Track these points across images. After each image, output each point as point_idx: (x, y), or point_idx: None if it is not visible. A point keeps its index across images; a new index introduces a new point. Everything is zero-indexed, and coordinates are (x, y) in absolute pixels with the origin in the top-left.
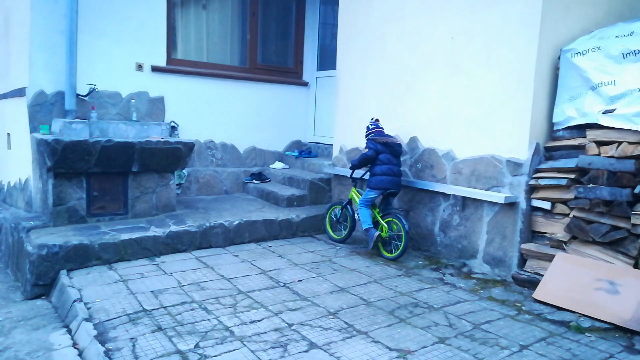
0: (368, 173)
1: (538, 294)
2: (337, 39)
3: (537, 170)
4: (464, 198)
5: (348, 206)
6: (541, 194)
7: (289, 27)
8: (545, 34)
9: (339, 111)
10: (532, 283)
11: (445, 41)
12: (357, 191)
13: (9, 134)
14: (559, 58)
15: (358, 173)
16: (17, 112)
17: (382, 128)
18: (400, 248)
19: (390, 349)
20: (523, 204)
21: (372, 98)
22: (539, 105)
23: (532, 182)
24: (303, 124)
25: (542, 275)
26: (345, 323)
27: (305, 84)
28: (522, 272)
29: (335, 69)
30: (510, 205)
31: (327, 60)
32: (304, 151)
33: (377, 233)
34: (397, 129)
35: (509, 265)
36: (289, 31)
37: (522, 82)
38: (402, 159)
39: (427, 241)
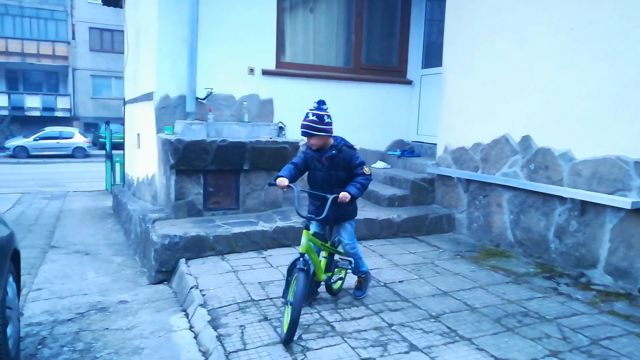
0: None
1: None
2: (443, 35)
3: None
4: (583, 202)
5: (303, 261)
6: None
7: (394, 25)
8: None
9: (443, 109)
10: None
11: (560, 32)
12: (313, 236)
13: (138, 134)
14: None
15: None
16: (146, 114)
17: None
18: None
19: (496, 359)
20: None
21: (479, 95)
22: None
23: None
24: (406, 123)
25: None
26: (448, 328)
27: (409, 83)
28: None
29: (440, 66)
30: (639, 211)
31: (432, 57)
32: (406, 150)
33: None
34: (507, 128)
35: (636, 278)
36: (394, 30)
37: None
38: (514, 158)
39: (540, 247)
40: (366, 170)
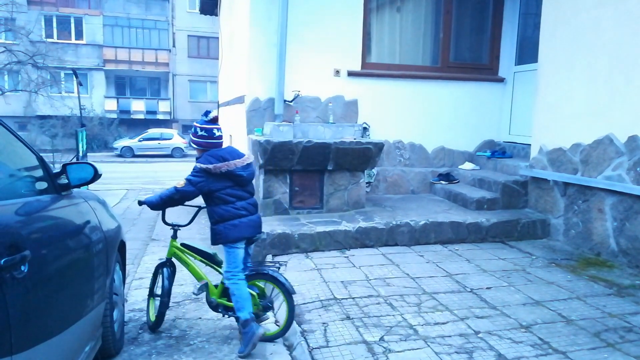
0: (214, 216)
1: None
2: (539, 29)
3: None
4: None
5: (164, 269)
6: None
7: (485, 21)
8: None
9: (539, 108)
10: None
11: None
12: (180, 247)
13: (231, 135)
14: None
15: (180, 217)
16: (238, 116)
17: (219, 136)
18: (285, 322)
19: None
20: None
21: (579, 92)
22: None
23: None
24: (497, 122)
25: None
26: (539, 339)
27: (501, 80)
28: None
29: (536, 62)
30: None
31: (527, 53)
32: (497, 151)
33: (261, 331)
34: (611, 127)
35: None
36: (485, 26)
37: None
38: (618, 160)
39: None
40: (179, 182)
